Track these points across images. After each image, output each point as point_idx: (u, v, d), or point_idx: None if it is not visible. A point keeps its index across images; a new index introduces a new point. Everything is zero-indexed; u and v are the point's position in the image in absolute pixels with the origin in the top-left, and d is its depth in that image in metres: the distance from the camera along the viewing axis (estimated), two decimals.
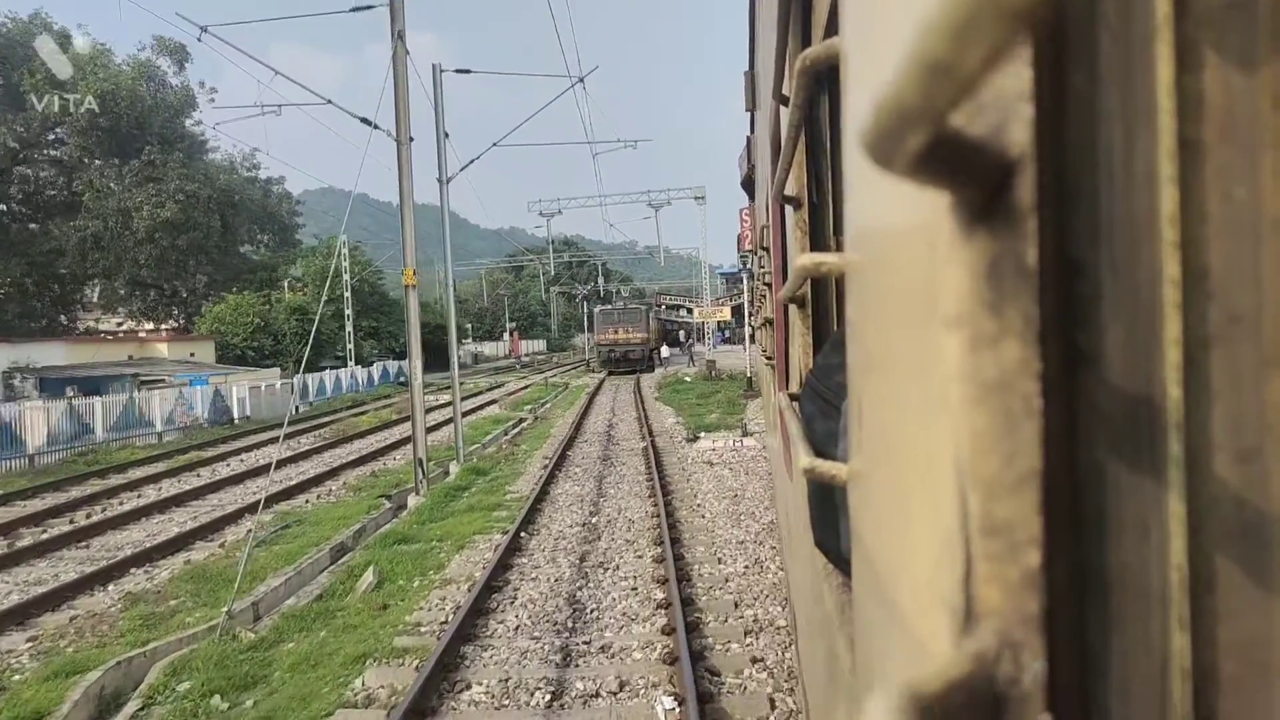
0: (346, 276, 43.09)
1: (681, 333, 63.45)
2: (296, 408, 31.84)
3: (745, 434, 19.76)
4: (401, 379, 46.10)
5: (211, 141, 53.61)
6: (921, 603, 0.56)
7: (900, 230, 0.63)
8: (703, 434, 21.02)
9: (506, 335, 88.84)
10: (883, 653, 0.75)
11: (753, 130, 7.66)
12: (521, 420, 26.34)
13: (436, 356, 69.68)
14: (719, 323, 74.45)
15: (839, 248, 2.20)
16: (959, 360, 0.47)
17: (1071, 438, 0.48)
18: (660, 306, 74.90)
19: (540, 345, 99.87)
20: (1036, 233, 0.44)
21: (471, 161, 18.38)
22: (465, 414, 27.71)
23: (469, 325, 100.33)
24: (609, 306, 50.09)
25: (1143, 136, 0.45)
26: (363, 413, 31.30)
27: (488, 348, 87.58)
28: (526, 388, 39.83)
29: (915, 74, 0.36)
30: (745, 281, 31.75)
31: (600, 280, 74.06)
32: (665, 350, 50.02)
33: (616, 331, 48.20)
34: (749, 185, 9.49)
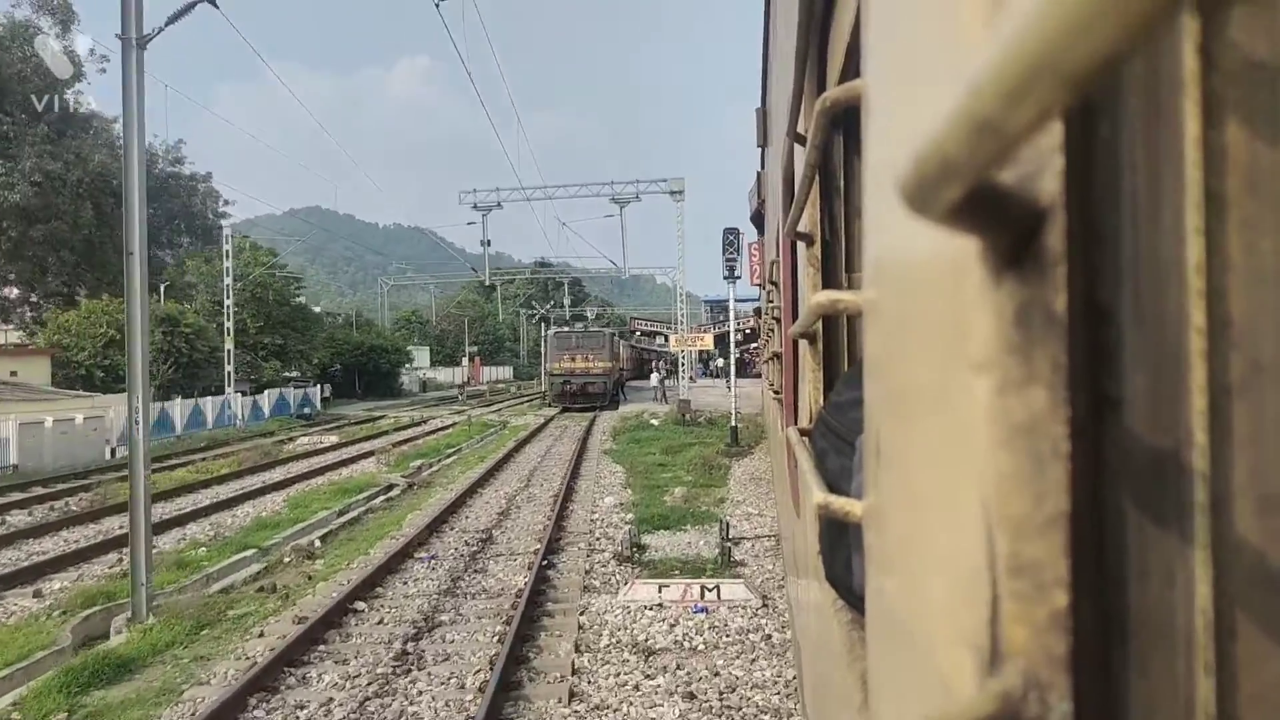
0: (228, 280, 34.56)
1: (659, 362, 55.46)
2: (113, 451, 23.23)
3: (728, 561, 10.93)
4: (307, 409, 37.49)
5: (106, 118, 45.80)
6: (944, 641, 0.56)
7: (926, 272, 0.62)
8: (652, 537, 12.53)
9: (466, 361, 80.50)
10: (901, 690, 0.73)
11: (763, 166, 8.02)
12: (389, 490, 17.82)
13: (377, 383, 61.31)
14: (701, 354, 66.45)
15: (851, 285, 2.26)
16: (987, 403, 0.47)
17: (1098, 481, 0.49)
18: (635, 333, 66.68)
19: (507, 372, 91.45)
20: (1066, 280, 0.45)
21: (179, 15, 10.02)
22: (303, 477, 19.33)
23: (429, 348, 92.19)
24: (564, 329, 41.86)
25: (1170, 188, 0.46)
26: (192, 461, 22.69)
27: (442, 374, 79.02)
28: (448, 427, 31.38)
29: (961, 131, 0.37)
30: (729, 311, 23.88)
31: (566, 300, 65.81)
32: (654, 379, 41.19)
33: (574, 359, 39.92)
34: (759, 220, 10.23)
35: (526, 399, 50.75)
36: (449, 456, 23.06)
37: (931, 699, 0.59)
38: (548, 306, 64.74)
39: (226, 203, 63.98)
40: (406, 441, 27.38)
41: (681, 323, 33.68)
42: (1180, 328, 0.45)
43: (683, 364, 32.97)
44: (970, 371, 0.49)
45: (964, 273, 0.50)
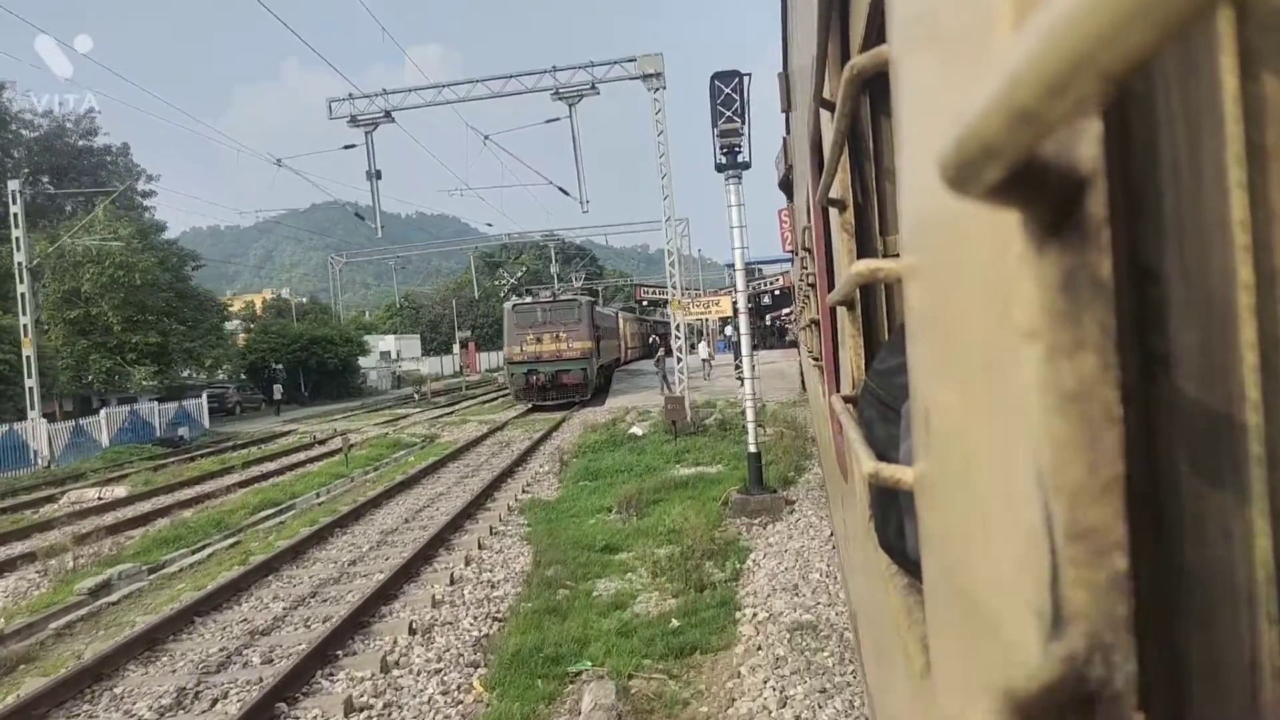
0: (19, 256, 24.24)
1: (656, 339, 44.67)
2: None
3: None
4: (182, 431, 27.33)
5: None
6: (1005, 606, 0.56)
7: (967, 240, 0.62)
8: None
9: (457, 348, 70.41)
10: (964, 655, 0.74)
11: (788, 131, 7.91)
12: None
13: (331, 382, 51.12)
14: (723, 324, 55.50)
15: (886, 248, 2.28)
16: (1037, 370, 0.47)
17: (1152, 442, 0.49)
18: (642, 303, 55.88)
19: None
20: (1110, 245, 0.45)
21: None
22: None
23: (419, 336, 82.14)
24: (526, 301, 31.20)
25: (1209, 143, 0.46)
26: None
27: (429, 365, 68.93)
28: (334, 454, 21.08)
29: (1001, 118, 0.38)
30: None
31: (553, 264, 54.63)
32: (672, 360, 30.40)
33: (540, 340, 29.39)
34: (787, 186, 9.64)
35: (503, 395, 40.32)
36: (273, 519, 12.66)
37: (996, 664, 0.58)
38: (518, 274, 53.93)
39: (150, 178, 54.60)
40: (244, 485, 17.10)
41: (673, 281, 22.90)
42: (1227, 284, 0.45)
43: (678, 339, 22.22)
44: (1018, 339, 0.49)
45: (1006, 242, 0.50)
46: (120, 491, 17.35)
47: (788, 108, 7.25)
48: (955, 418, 0.73)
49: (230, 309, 39.82)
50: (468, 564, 9.70)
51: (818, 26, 2.19)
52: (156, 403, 28.67)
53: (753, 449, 11.84)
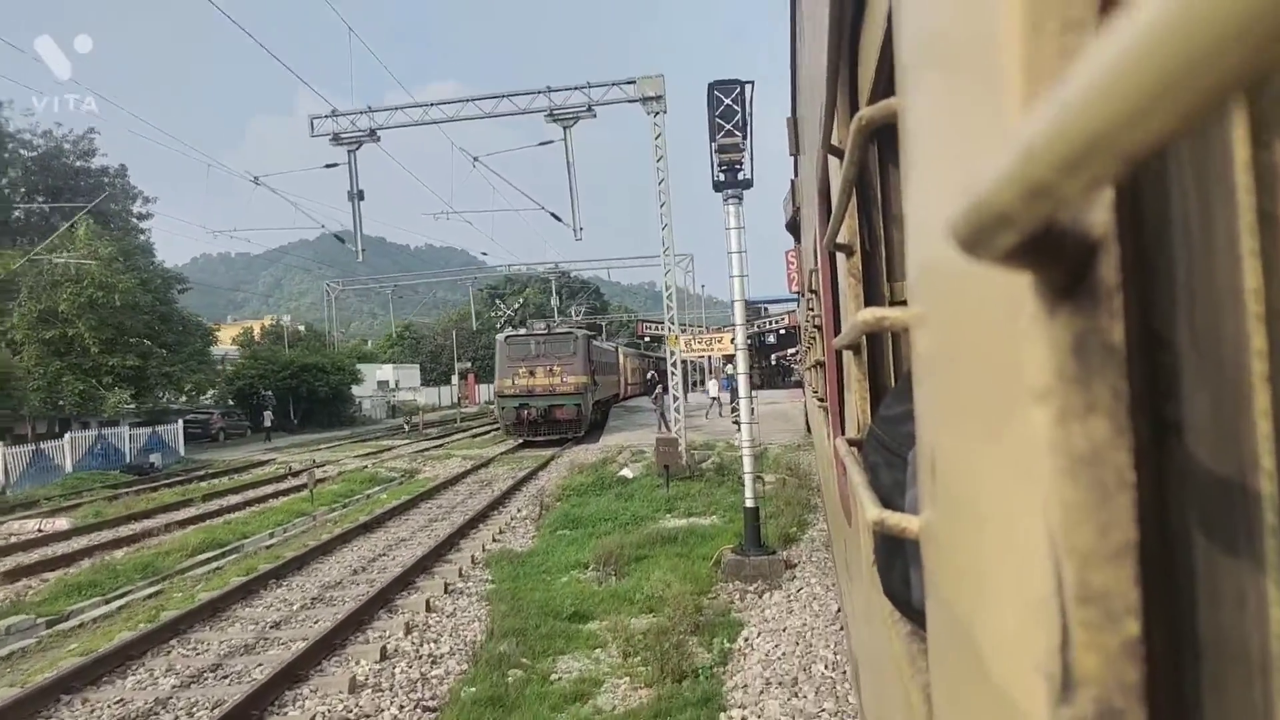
0: None
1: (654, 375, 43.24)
2: None
3: None
4: (153, 458, 25.98)
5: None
6: (1013, 666, 0.56)
7: (977, 297, 0.62)
8: None
9: (455, 379, 69.09)
10: (969, 711, 0.73)
11: (796, 174, 8.07)
12: None
13: (322, 410, 49.67)
14: (724, 361, 54.11)
15: (893, 294, 2.31)
16: (1048, 432, 0.47)
17: (1165, 508, 0.49)
18: (644, 339, 54.57)
19: None
20: (1122, 310, 0.45)
21: None
22: None
23: (418, 366, 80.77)
24: (519, 333, 29.82)
25: (1221, 211, 0.46)
26: None
27: (427, 395, 67.62)
28: (302, 487, 19.66)
29: (1015, 190, 0.37)
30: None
31: (554, 297, 53.10)
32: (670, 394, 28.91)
33: (532, 373, 28.00)
34: (794, 227, 9.86)
35: (496, 428, 38.85)
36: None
37: None
38: (515, 306, 52.39)
39: (146, 200, 53.74)
40: (197, 520, 15.64)
41: (671, 315, 21.48)
42: (1240, 352, 0.45)
43: (674, 375, 20.73)
44: (1029, 400, 0.49)
45: (1018, 302, 0.50)
46: (63, 524, 15.90)
47: (796, 151, 7.17)
48: (963, 470, 0.73)
49: (216, 334, 38.45)
50: (408, 632, 8.22)
51: (826, 76, 2.19)
52: (128, 427, 27.23)
53: (750, 503, 10.38)
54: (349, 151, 21.62)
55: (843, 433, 2.58)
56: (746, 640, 7.88)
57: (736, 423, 11.46)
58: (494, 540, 12.83)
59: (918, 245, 0.89)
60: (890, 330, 1.64)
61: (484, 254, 50.63)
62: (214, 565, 11.95)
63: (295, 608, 9.30)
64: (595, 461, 20.58)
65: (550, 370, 27.96)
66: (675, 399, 19.97)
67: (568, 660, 7.68)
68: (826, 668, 6.98)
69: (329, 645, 7.65)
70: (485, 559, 11.46)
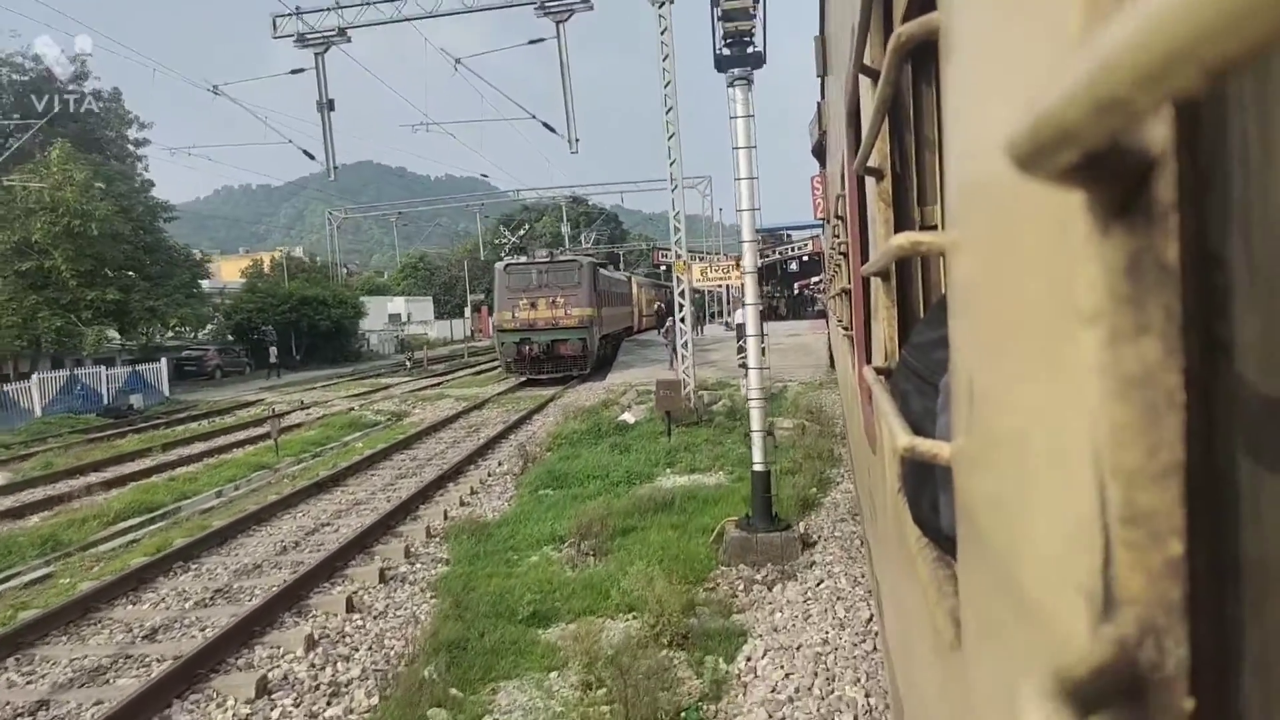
0: None
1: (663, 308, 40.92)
2: None
3: None
4: (134, 398, 24.42)
5: None
6: (1052, 587, 0.57)
7: (1023, 219, 0.62)
8: None
9: (469, 312, 67.32)
10: (1003, 632, 0.74)
11: (823, 96, 7.80)
12: None
13: (327, 345, 47.88)
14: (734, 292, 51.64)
15: (924, 219, 2.29)
16: (1097, 354, 0.48)
17: (1212, 429, 0.49)
18: (659, 268, 52.19)
19: None
20: (1177, 229, 0.45)
21: None
22: None
23: (435, 297, 78.84)
24: (519, 261, 27.65)
25: None
26: None
27: (439, 328, 65.98)
28: (262, 438, 17.98)
29: (1085, 105, 0.37)
30: None
31: (564, 223, 50.22)
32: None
33: (534, 305, 25.95)
34: (820, 152, 9.49)
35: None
36: None
37: (1042, 645, 0.58)
38: (519, 234, 49.30)
39: (142, 125, 51.35)
40: (147, 474, 13.94)
41: (678, 239, 19.06)
42: None
43: (682, 306, 18.46)
44: (1078, 322, 0.49)
45: (1069, 224, 0.49)
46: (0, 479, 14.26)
47: (824, 72, 7.05)
48: (1002, 395, 0.72)
49: (208, 266, 36.46)
50: (311, 648, 6.38)
51: None
52: (103, 368, 25.59)
53: (758, 466, 8.38)
54: (316, 55, 19.24)
55: (869, 361, 2.56)
56: (749, 662, 5.96)
57: (743, 365, 9.41)
58: (462, 503, 10.98)
59: (959, 167, 0.88)
60: (925, 255, 1.68)
61: (484, 175, 48.08)
62: (131, 537, 10.19)
63: (189, 605, 7.49)
64: (594, 404, 18.65)
65: (553, 302, 25.89)
66: (683, 334, 17.83)
67: (511, 689, 5.82)
68: (861, 713, 5.05)
69: (190, 675, 5.79)
70: (446, 530, 9.61)
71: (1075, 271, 0.49)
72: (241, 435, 18.67)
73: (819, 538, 8.56)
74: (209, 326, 40.11)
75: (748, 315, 8.58)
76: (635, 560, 8.01)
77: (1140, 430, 0.45)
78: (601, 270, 31.40)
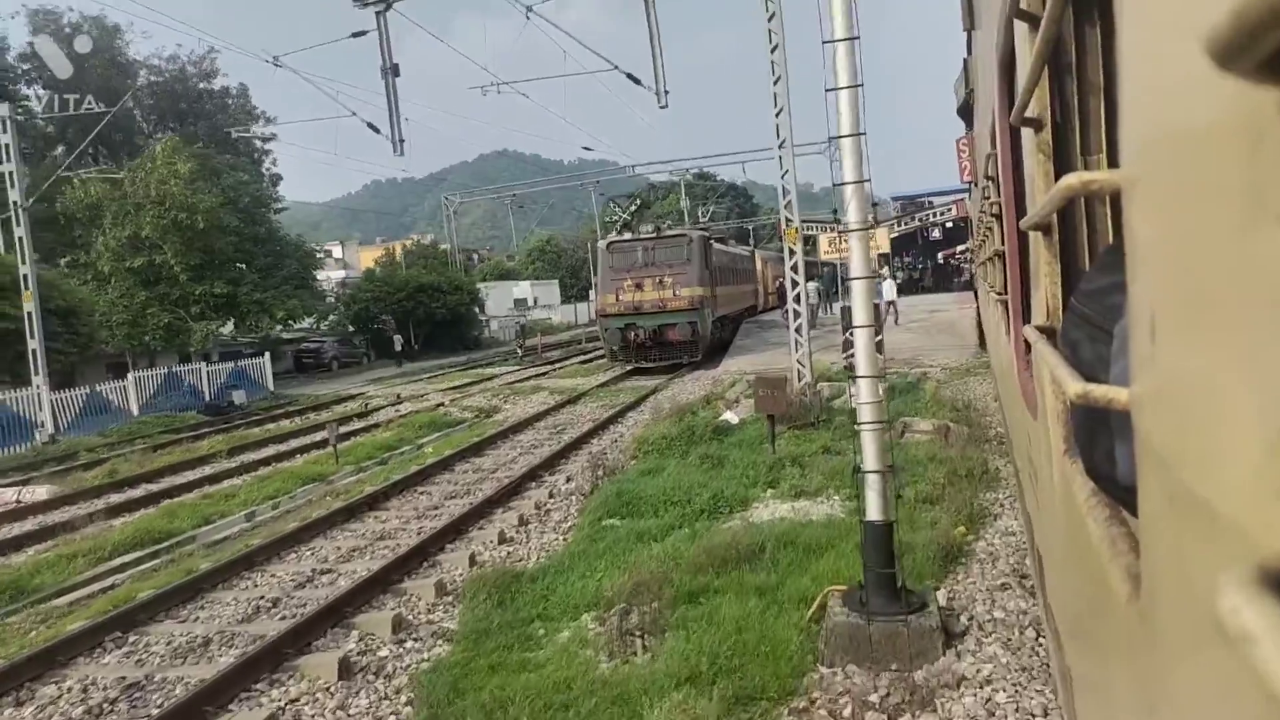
0: (10, 165, 20.32)
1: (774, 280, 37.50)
2: None
3: None
4: (236, 394, 23.86)
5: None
6: (1250, 499, 0.56)
7: (1211, 134, 0.60)
8: None
9: (593, 294, 65.85)
10: (1193, 559, 0.73)
11: (970, 52, 7.55)
12: None
13: (445, 333, 47.03)
14: (880, 261, 47.27)
15: (1088, 169, 2.14)
16: None
17: None
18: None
19: None
20: None
21: None
22: None
23: (561, 280, 77.96)
24: (623, 239, 25.45)
25: None
26: None
27: (563, 313, 64.92)
28: (372, 428, 16.50)
29: None
30: None
31: (684, 200, 47.26)
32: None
33: (639, 287, 23.64)
34: (966, 112, 9.35)
35: None
36: None
37: (1236, 557, 0.56)
38: (631, 208, 46.68)
39: (268, 120, 52.27)
40: (190, 487, 12.62)
41: (788, 201, 15.93)
42: None
43: (796, 282, 15.43)
44: (1274, 224, 0.47)
45: (1264, 129, 0.48)
46: (43, 493, 13.22)
47: (971, 26, 6.80)
48: (1189, 326, 0.71)
49: (319, 255, 36.00)
50: None
51: None
52: (204, 364, 25.15)
53: (875, 516, 5.68)
54: (376, 14, 17.51)
55: (1028, 321, 2.47)
56: None
57: (849, 367, 6.70)
58: (503, 540, 8.80)
59: (1134, 100, 0.86)
60: (1098, 195, 1.59)
61: (586, 149, 46.04)
62: (111, 581, 8.53)
63: (77, 713, 5.54)
64: (696, 399, 16.12)
65: (660, 282, 23.49)
66: (797, 316, 15.00)
67: None
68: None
69: None
70: (465, 584, 7.41)
71: (1271, 178, 0.46)
72: (319, 436, 17.28)
73: (969, 621, 5.81)
74: (331, 317, 40.09)
75: (855, 295, 5.86)
76: (694, 653, 5.56)
77: None
78: (717, 245, 28.72)
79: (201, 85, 51.38)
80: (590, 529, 8.97)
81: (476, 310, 47.01)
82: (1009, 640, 5.42)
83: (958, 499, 8.46)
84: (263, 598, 7.44)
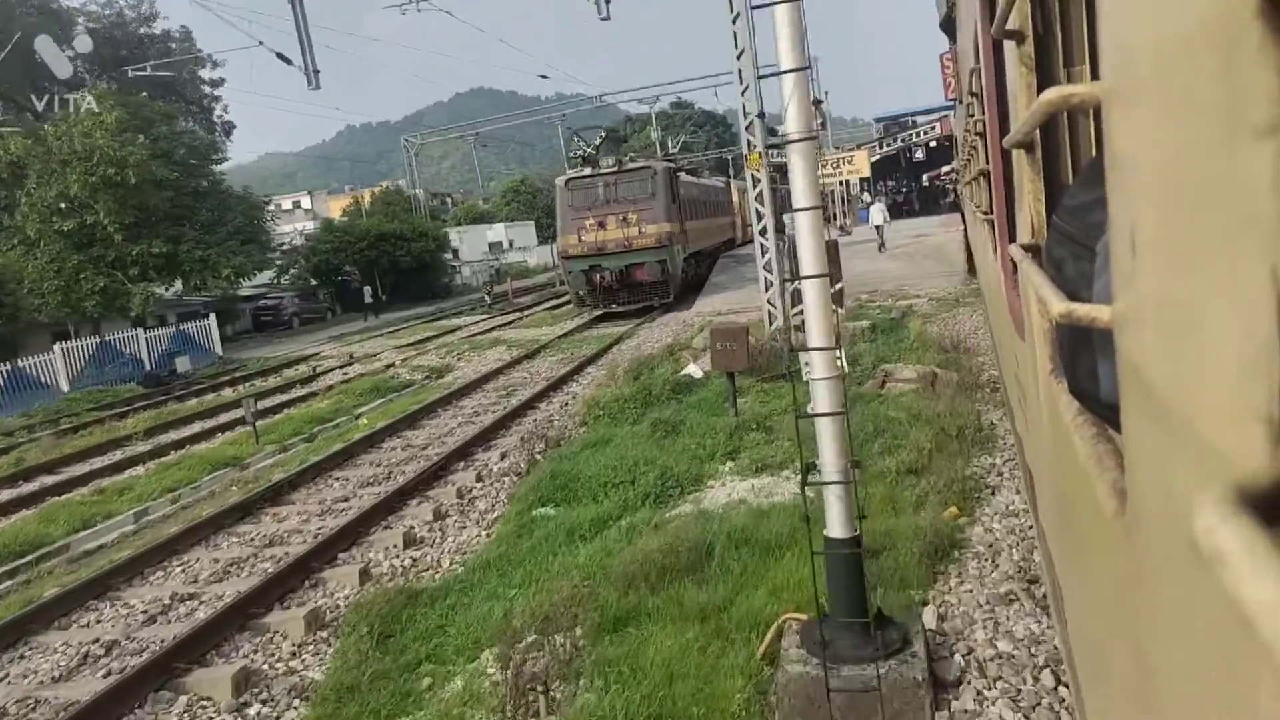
0: None
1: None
2: None
3: None
4: (173, 368, 22.32)
5: None
6: (1228, 421, 0.56)
7: (1192, 41, 0.59)
8: None
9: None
10: (1173, 477, 0.74)
11: None
12: None
13: (413, 281, 44.85)
14: (862, 185, 45.37)
15: (1071, 81, 2.11)
16: (1274, 166, 0.46)
17: None
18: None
19: None
20: None
21: None
22: None
23: (537, 221, 75.60)
24: (582, 174, 23.55)
25: None
26: None
27: (539, 255, 62.93)
28: (309, 397, 15.02)
29: None
30: None
31: (653, 128, 44.93)
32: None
33: (602, 225, 21.98)
34: (949, 26, 9.18)
35: None
36: None
37: (1219, 473, 0.57)
38: (595, 141, 43.84)
39: (215, 64, 49.46)
40: (79, 482, 11.21)
41: (749, 123, 14.09)
42: None
43: (760, 215, 13.83)
44: (1252, 136, 0.47)
45: (1238, 35, 0.47)
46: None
47: None
48: (1170, 240, 0.71)
49: (268, 207, 33.71)
50: None
51: None
52: (141, 330, 23.45)
53: (837, 532, 4.27)
54: None
55: (1014, 240, 2.48)
56: None
57: (793, 339, 5.21)
58: (409, 542, 7.42)
59: (1112, 8, 0.85)
60: (1079, 109, 1.56)
61: (543, 76, 43.68)
62: None
63: None
64: (659, 350, 14.66)
65: (624, 219, 21.85)
66: (765, 251, 13.42)
67: None
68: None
69: None
70: (347, 612, 6.04)
71: (1249, 85, 0.46)
72: (267, 402, 15.78)
73: (966, 658, 4.45)
74: (291, 271, 38.23)
75: (801, 232, 4.33)
76: (611, 717, 4.23)
77: None
78: (687, 176, 26.94)
79: (142, 30, 48.63)
80: (518, 521, 7.61)
81: (447, 256, 45.12)
82: (1018, 694, 4.06)
83: (947, 469, 7.09)
84: (97, 641, 6.04)
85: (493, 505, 8.30)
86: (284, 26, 21.42)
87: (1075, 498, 1.55)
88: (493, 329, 24.16)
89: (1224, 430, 0.56)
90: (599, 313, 22.80)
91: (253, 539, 7.99)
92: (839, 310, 5.74)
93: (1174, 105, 0.65)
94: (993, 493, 6.82)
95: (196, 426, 14.64)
